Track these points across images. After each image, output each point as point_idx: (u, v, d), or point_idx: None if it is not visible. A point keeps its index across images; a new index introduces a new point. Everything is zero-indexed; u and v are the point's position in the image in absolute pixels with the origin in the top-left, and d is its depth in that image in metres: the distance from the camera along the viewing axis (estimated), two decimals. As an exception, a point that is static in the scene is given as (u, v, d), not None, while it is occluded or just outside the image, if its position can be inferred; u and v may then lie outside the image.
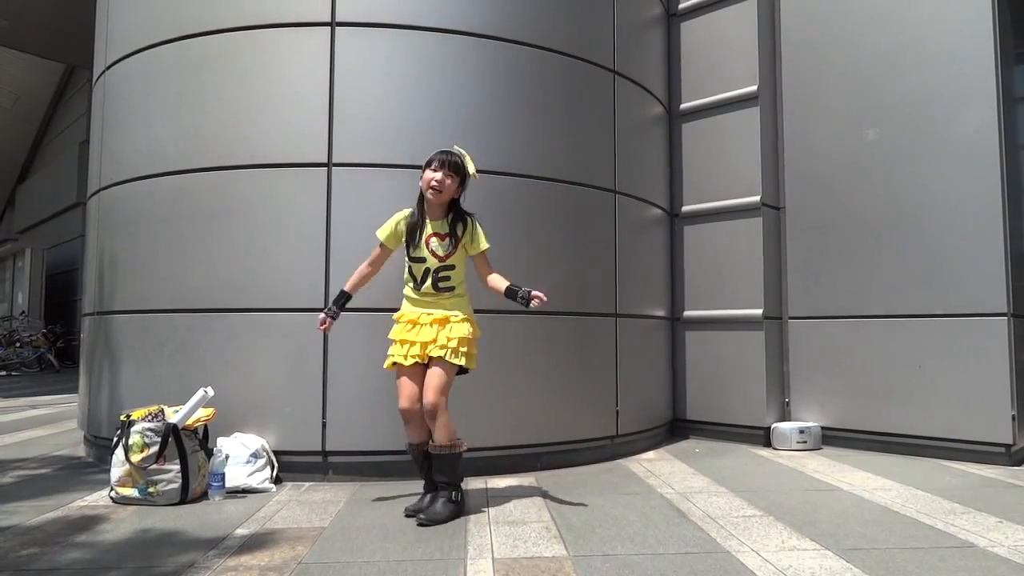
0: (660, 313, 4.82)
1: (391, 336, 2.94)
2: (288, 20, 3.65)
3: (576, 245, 4.05)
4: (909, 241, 4.24)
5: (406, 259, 2.95)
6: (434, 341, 2.83)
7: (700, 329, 4.95)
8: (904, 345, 4.22)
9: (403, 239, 2.95)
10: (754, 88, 4.72)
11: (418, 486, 3.01)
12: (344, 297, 3.02)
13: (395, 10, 3.68)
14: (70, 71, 15.48)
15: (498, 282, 2.93)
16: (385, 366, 2.93)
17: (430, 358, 2.83)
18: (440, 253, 2.89)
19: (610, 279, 4.25)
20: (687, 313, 5.00)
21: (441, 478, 2.86)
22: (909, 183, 4.26)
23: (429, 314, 2.88)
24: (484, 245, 2.95)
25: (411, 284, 2.94)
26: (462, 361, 2.84)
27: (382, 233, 2.99)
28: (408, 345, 2.85)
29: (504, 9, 3.88)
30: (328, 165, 3.56)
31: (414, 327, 2.87)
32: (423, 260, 2.89)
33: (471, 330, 2.91)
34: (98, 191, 4.23)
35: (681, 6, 5.15)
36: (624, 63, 4.45)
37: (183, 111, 3.78)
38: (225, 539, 2.55)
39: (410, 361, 2.83)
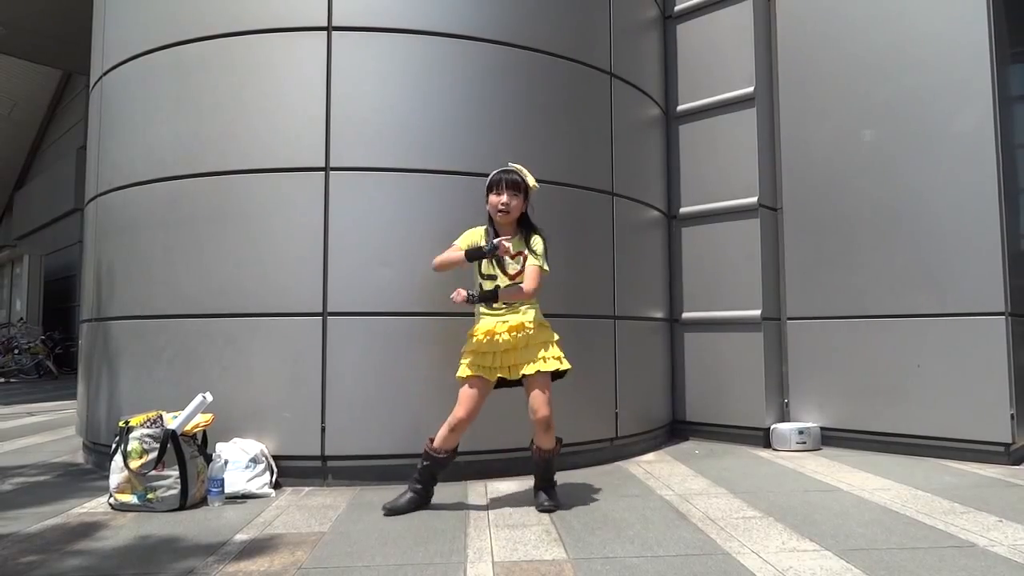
0: (658, 315, 4.82)
1: (471, 349, 2.99)
2: (284, 25, 3.65)
3: (574, 247, 4.05)
4: (907, 241, 4.25)
5: (478, 274, 3.04)
6: (514, 348, 2.93)
7: (699, 331, 4.95)
8: (903, 345, 4.22)
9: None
10: (750, 89, 4.73)
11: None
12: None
13: (391, 14, 3.68)
14: (67, 77, 15.46)
15: (517, 290, 2.98)
16: (461, 375, 2.98)
17: (524, 375, 2.94)
18: (511, 272, 3.01)
19: (608, 281, 4.25)
20: (685, 315, 5.00)
21: (550, 475, 3.08)
22: (906, 183, 4.27)
23: (504, 321, 2.96)
24: (537, 263, 3.00)
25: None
26: (552, 367, 2.95)
27: (462, 243, 3.05)
28: (496, 356, 2.95)
29: (500, 12, 3.88)
30: (326, 169, 3.56)
31: (494, 338, 2.94)
32: (494, 277, 3.02)
33: (549, 335, 3.02)
34: (95, 197, 4.23)
35: (677, 8, 5.16)
36: (621, 65, 4.46)
37: (179, 117, 3.78)
38: (224, 545, 2.55)
39: (495, 376, 2.96)
